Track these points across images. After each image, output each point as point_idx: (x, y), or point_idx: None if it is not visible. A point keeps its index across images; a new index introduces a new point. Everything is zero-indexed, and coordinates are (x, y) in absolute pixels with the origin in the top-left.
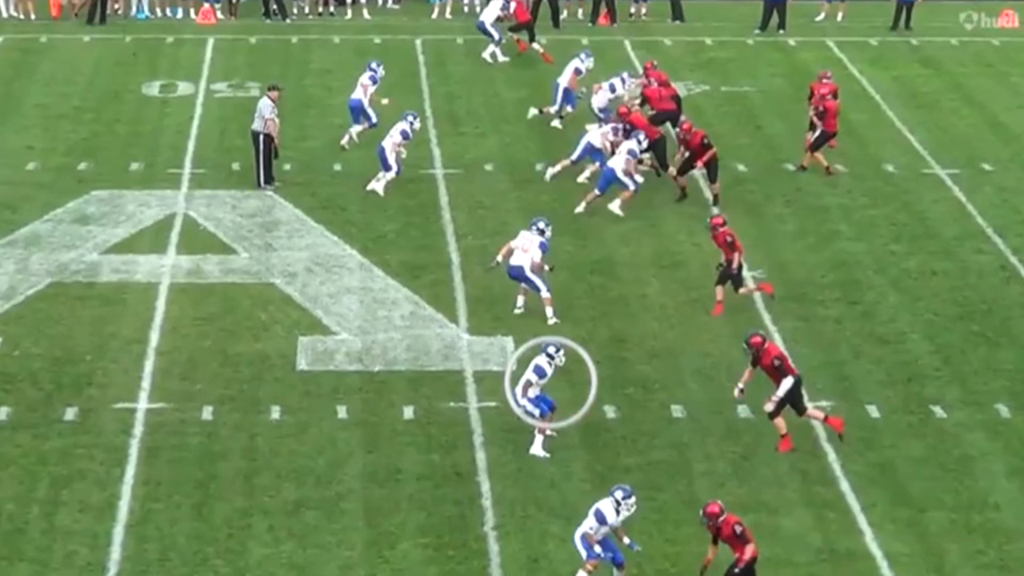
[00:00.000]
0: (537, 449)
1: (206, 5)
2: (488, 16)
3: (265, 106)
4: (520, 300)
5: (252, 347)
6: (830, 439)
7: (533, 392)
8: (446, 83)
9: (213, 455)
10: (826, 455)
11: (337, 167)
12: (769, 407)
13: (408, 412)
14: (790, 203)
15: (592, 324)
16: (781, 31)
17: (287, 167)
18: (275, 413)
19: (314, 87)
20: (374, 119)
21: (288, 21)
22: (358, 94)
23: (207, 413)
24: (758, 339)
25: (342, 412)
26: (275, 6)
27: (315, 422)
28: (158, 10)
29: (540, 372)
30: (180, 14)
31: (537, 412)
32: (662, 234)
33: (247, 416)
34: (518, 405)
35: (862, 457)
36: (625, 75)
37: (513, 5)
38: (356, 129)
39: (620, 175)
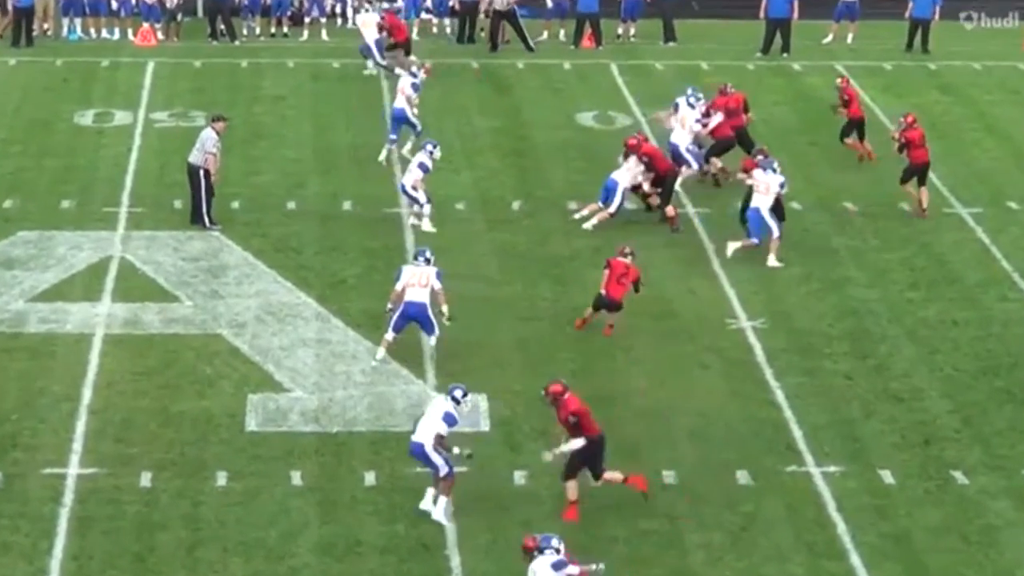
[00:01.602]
0: (439, 514)
1: (145, 25)
2: (369, 35)
3: (208, 138)
4: (382, 352)
5: (196, 405)
6: (840, 508)
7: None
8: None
9: (152, 526)
10: (835, 525)
11: (291, 205)
12: (547, 456)
13: (370, 478)
14: (795, 245)
15: (573, 380)
16: (785, 54)
17: (235, 205)
18: (221, 479)
19: (266, 115)
20: (419, 127)
21: (237, 43)
22: (400, 103)
23: (145, 479)
24: (558, 387)
25: (296, 478)
26: (223, 27)
27: (266, 489)
28: (92, 31)
29: (450, 420)
30: (117, 35)
31: (444, 469)
32: (652, 280)
33: (190, 482)
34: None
35: (875, 528)
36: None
37: (387, 22)
38: (393, 138)
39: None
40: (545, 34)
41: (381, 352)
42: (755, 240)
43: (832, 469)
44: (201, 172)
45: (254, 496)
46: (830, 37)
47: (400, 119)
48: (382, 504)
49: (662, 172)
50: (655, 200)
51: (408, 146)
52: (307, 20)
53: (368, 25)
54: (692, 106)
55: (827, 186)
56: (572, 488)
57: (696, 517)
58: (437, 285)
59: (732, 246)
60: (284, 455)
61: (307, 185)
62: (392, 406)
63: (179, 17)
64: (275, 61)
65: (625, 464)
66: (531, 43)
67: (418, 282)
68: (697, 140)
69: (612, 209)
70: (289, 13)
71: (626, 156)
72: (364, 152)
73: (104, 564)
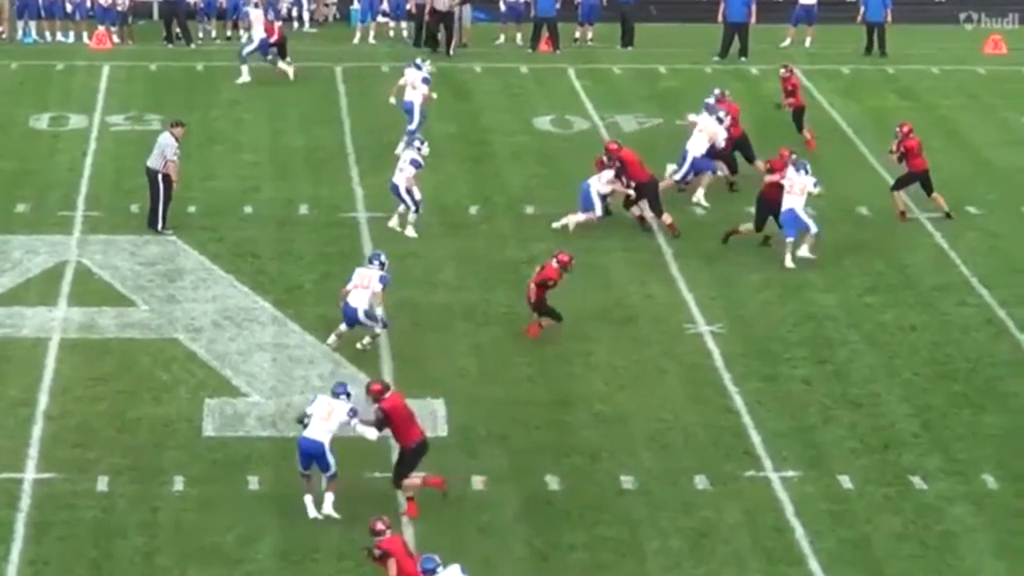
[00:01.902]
0: (329, 508)
1: (100, 28)
2: (256, 34)
3: (167, 144)
4: (333, 338)
5: (153, 410)
6: (799, 513)
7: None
8: (370, 115)
9: (109, 531)
10: (793, 531)
11: (248, 209)
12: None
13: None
14: (754, 250)
15: (531, 385)
16: (743, 58)
17: (191, 209)
18: (178, 484)
19: (222, 120)
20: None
21: (192, 47)
22: (410, 96)
23: (102, 484)
24: (377, 386)
25: (253, 483)
26: (178, 30)
27: (223, 494)
28: (47, 34)
29: (353, 413)
30: (72, 38)
31: (333, 470)
32: (610, 284)
33: (147, 487)
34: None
35: (833, 533)
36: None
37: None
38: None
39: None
40: (503, 37)
41: (332, 337)
42: (791, 238)
43: (791, 474)
44: (160, 176)
45: (211, 501)
46: (788, 41)
47: (410, 111)
48: (339, 509)
49: (641, 181)
50: (645, 213)
51: (401, 145)
52: None
53: (257, 23)
54: (721, 120)
55: None
56: (410, 486)
57: (654, 523)
58: (377, 288)
59: (790, 257)
60: (241, 460)
61: (263, 189)
62: None
63: (131, 20)
64: (231, 65)
65: (585, 469)
66: (452, 50)
67: (361, 283)
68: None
69: (598, 213)
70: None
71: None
72: (320, 156)
73: (61, 570)
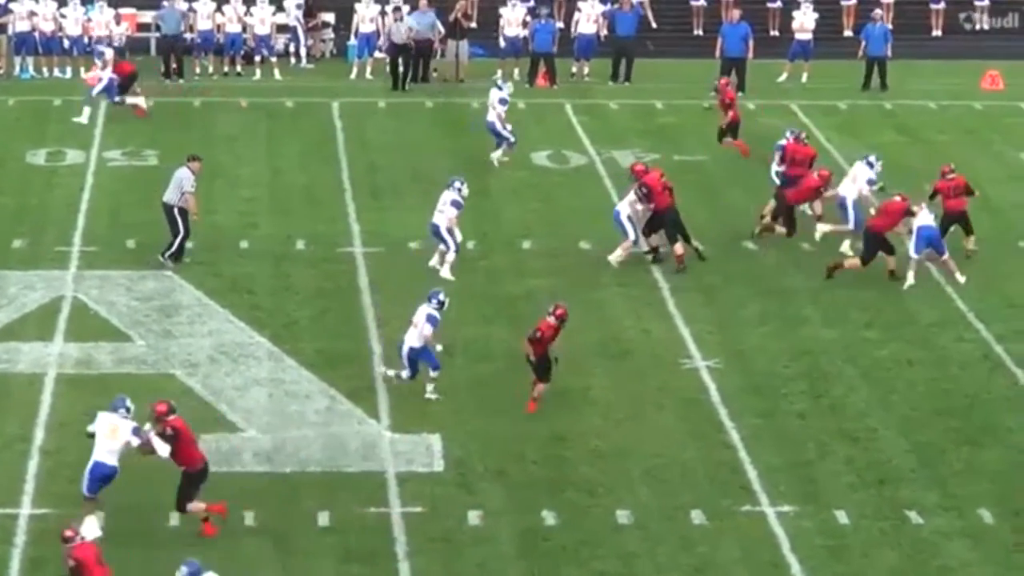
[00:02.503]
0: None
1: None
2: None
3: (185, 178)
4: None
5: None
6: (795, 548)
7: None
8: (366, 151)
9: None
10: (789, 566)
11: (244, 244)
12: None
13: (323, 519)
14: (751, 283)
15: (529, 421)
16: (740, 93)
17: (188, 244)
18: (174, 520)
19: (219, 155)
20: (512, 139)
21: (181, 82)
22: (491, 116)
23: (99, 520)
24: (163, 407)
25: (249, 518)
26: (175, 65)
27: (219, 530)
28: (44, 69)
29: (136, 431)
30: (69, 74)
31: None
32: (607, 319)
33: (143, 524)
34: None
35: (829, 568)
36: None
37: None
38: (498, 153)
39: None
40: (500, 73)
41: (387, 371)
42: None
43: (787, 509)
44: (176, 210)
45: (208, 538)
46: (784, 76)
47: (492, 131)
48: (336, 545)
49: (660, 208)
50: (654, 242)
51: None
52: (257, 59)
53: (109, 62)
54: (871, 166)
55: None
56: (196, 508)
57: (651, 558)
58: (425, 329)
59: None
60: (237, 496)
61: (260, 225)
62: (346, 446)
63: (128, 56)
64: (228, 100)
65: (582, 504)
66: (407, 85)
67: (415, 321)
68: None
69: (632, 238)
70: (243, 52)
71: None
72: (318, 192)
73: None
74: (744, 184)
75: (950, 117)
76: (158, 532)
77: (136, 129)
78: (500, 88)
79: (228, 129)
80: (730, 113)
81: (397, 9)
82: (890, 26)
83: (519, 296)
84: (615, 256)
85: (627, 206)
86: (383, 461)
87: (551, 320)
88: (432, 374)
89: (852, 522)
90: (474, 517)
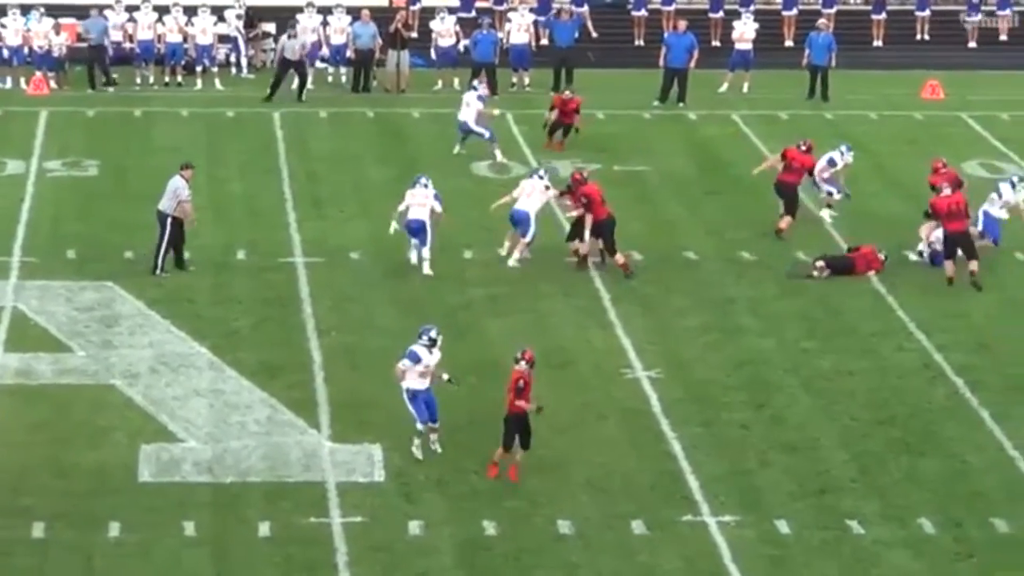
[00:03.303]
0: None
1: (38, 74)
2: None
3: (180, 186)
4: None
5: (89, 456)
6: (736, 558)
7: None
8: (307, 161)
9: None
10: (730, 575)
11: (185, 255)
12: None
13: (264, 529)
14: (691, 294)
15: (469, 430)
16: (681, 104)
17: (129, 255)
18: (114, 530)
19: (160, 166)
20: (487, 134)
21: (111, 90)
22: (464, 115)
23: (38, 530)
24: None
25: (190, 528)
26: (104, 76)
27: (159, 540)
28: None
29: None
30: (8, 83)
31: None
32: (549, 329)
33: (83, 534)
34: None
35: None
36: (844, 147)
37: None
38: (488, 136)
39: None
40: (440, 83)
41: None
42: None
43: (728, 519)
44: (169, 220)
45: (148, 548)
46: (725, 86)
47: (464, 130)
48: (276, 555)
49: (599, 219)
50: (583, 249)
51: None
52: (199, 69)
53: None
54: (843, 155)
55: (723, 236)
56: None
57: (592, 568)
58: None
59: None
60: (177, 506)
61: (201, 235)
62: (287, 456)
63: (68, 66)
64: (169, 110)
65: (523, 513)
66: (304, 95)
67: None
68: None
69: (529, 238)
70: (183, 62)
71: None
72: (259, 202)
73: None
74: (683, 194)
75: (891, 127)
76: (99, 543)
77: (76, 139)
78: (476, 88)
79: (169, 139)
80: (570, 118)
81: (292, 26)
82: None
83: (459, 306)
84: (513, 257)
85: (537, 205)
86: (324, 471)
87: (523, 366)
88: (432, 425)
89: (793, 532)
90: (415, 527)
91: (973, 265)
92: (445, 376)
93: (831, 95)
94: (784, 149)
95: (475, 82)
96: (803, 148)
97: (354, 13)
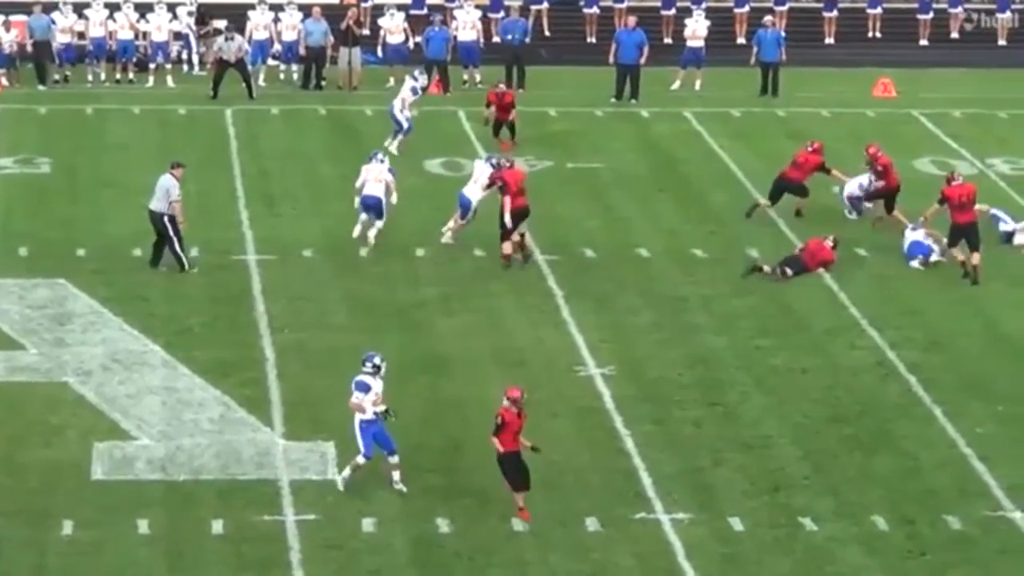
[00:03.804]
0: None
1: None
2: None
3: (171, 185)
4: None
5: (41, 454)
6: (689, 556)
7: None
8: (259, 159)
9: None
10: (684, 573)
11: (137, 252)
12: None
13: (217, 526)
14: (643, 292)
15: (423, 429)
16: (633, 100)
17: (81, 252)
18: (67, 528)
19: (112, 163)
20: (405, 126)
21: (42, 88)
22: (395, 101)
23: None
24: None
25: (143, 526)
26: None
27: (112, 538)
28: None
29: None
30: None
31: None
32: (501, 327)
33: (36, 531)
34: None
35: (724, 575)
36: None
37: None
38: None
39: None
40: (392, 80)
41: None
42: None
43: (681, 517)
44: (165, 218)
45: (101, 545)
46: (677, 83)
47: (391, 114)
48: (229, 553)
49: (513, 206)
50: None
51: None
52: (152, 66)
53: None
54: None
55: (676, 233)
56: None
57: (545, 565)
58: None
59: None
60: (130, 504)
61: (153, 233)
62: (240, 454)
63: (18, 63)
64: (120, 107)
65: (475, 511)
66: (254, 92)
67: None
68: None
69: (465, 220)
70: (135, 59)
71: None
72: (211, 200)
73: None
74: (636, 191)
75: (843, 124)
76: (52, 541)
77: (28, 137)
78: (415, 79)
79: (121, 137)
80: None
81: (229, 28)
82: (783, 32)
83: (412, 304)
84: (446, 233)
85: (479, 195)
86: (277, 469)
87: (505, 404)
88: (391, 460)
89: (746, 529)
90: (368, 524)
91: (975, 258)
92: (383, 407)
93: (781, 91)
94: (796, 153)
95: (416, 71)
96: (810, 149)
97: (305, 10)
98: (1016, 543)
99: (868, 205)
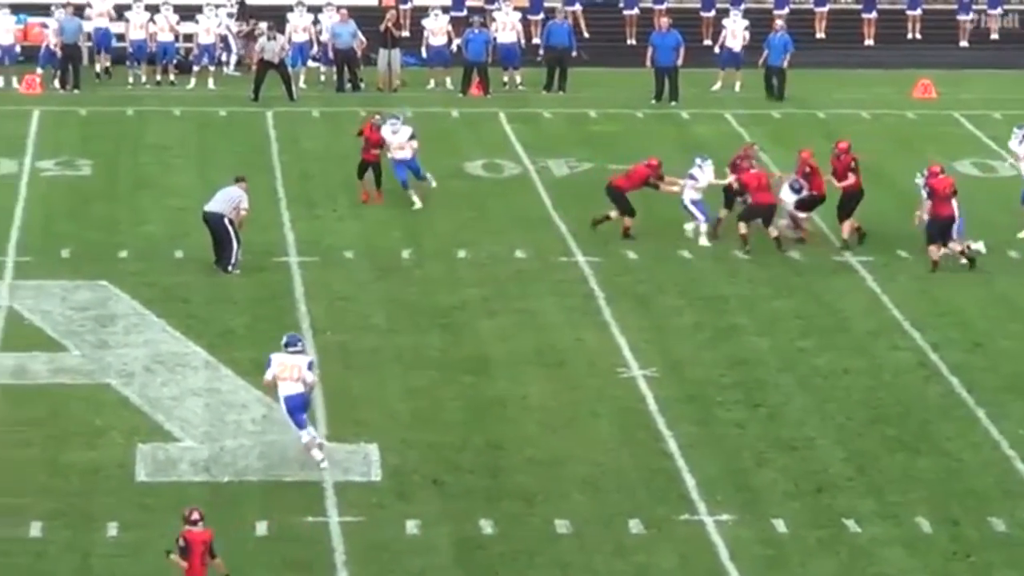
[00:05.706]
0: None
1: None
2: None
3: (242, 196)
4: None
5: (85, 456)
6: (733, 557)
7: None
8: (300, 160)
9: None
10: (728, 575)
11: (179, 254)
12: None
13: (261, 528)
14: (684, 293)
15: (464, 429)
16: (673, 102)
17: (123, 254)
18: (111, 529)
19: (151, 165)
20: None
21: (76, 92)
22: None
23: (35, 530)
24: None
25: None
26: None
27: (156, 539)
28: None
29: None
30: (1, 83)
31: None
32: (542, 328)
33: (79, 533)
34: None
35: None
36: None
37: None
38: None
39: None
40: (432, 82)
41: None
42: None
43: (725, 518)
44: (226, 220)
45: (143, 547)
46: (718, 84)
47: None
48: (273, 555)
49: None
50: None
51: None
52: (195, 68)
53: None
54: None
55: (718, 235)
56: None
57: (588, 567)
58: (309, 377)
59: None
60: (174, 505)
61: (194, 234)
62: (284, 455)
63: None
64: (161, 109)
65: (518, 513)
66: (295, 94)
67: (290, 376)
68: None
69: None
70: (175, 61)
71: None
72: (252, 202)
73: None
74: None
75: (882, 126)
76: (96, 542)
77: (69, 139)
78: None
79: (159, 139)
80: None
81: (271, 27)
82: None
83: (453, 306)
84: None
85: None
86: (321, 470)
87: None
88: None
89: (790, 531)
90: (412, 526)
91: (953, 248)
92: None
93: (794, 94)
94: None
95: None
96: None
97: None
98: None
99: (802, 215)
